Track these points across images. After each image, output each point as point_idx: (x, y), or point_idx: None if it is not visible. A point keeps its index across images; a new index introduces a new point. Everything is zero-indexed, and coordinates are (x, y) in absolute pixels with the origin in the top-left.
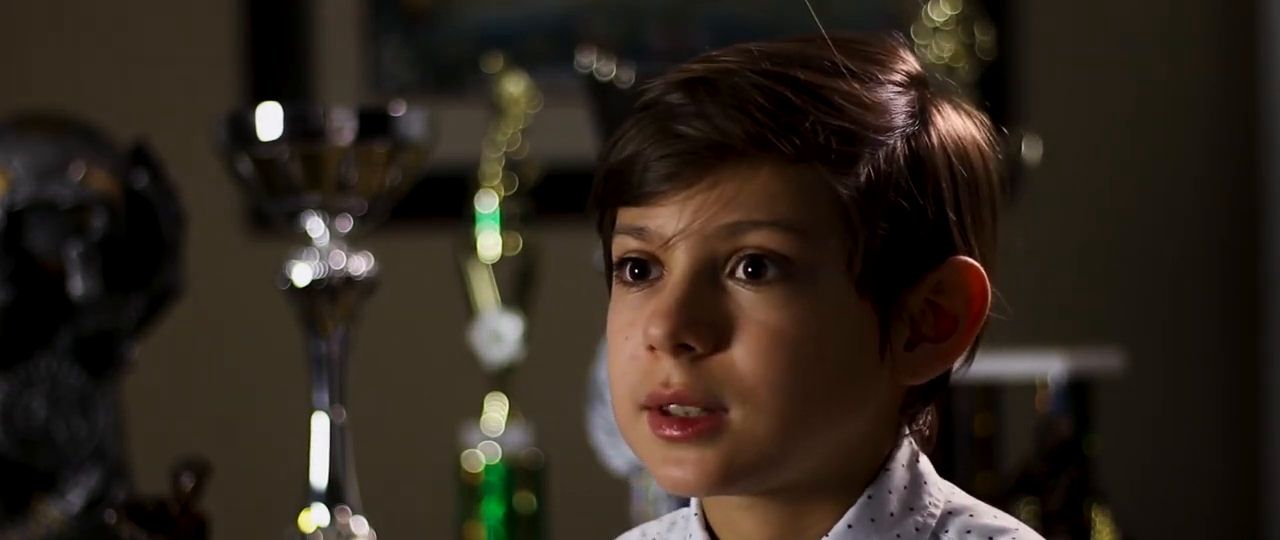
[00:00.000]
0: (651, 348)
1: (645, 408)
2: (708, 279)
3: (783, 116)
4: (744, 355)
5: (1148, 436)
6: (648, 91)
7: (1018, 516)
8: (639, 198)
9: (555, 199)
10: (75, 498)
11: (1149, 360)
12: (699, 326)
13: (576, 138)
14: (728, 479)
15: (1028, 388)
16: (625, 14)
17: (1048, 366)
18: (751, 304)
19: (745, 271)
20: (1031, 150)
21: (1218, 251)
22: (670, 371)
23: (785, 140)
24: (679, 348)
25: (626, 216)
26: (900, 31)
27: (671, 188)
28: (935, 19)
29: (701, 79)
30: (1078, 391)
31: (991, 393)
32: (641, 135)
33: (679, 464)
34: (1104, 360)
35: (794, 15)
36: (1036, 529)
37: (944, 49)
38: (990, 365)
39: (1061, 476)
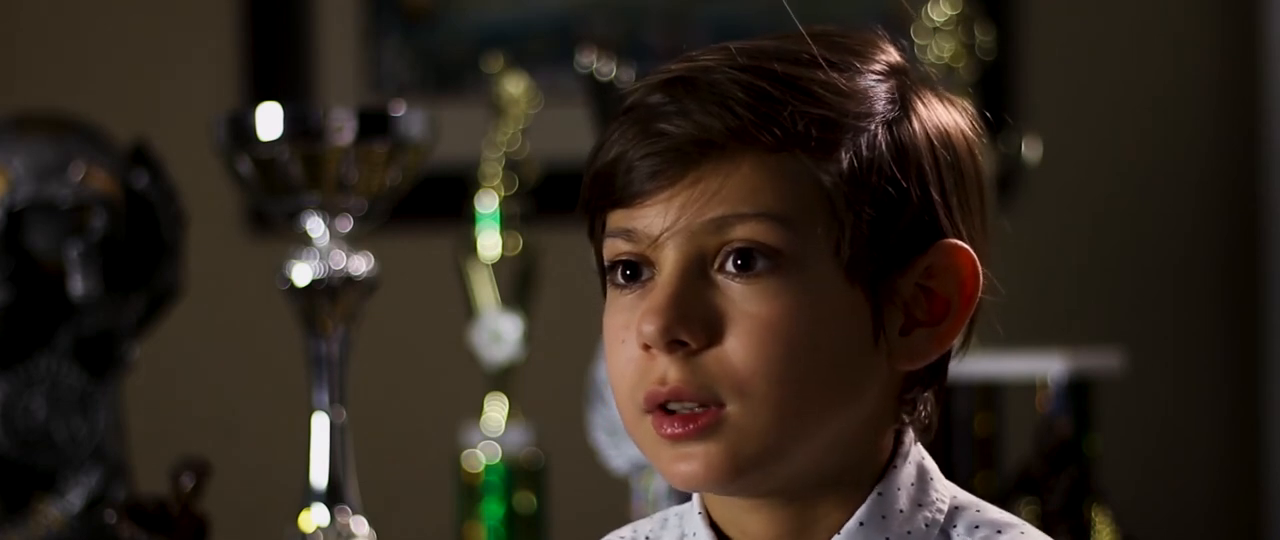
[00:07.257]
0: (647, 347)
1: (647, 410)
2: (697, 274)
3: (761, 108)
4: (737, 348)
5: (1148, 436)
6: (629, 95)
7: (1018, 516)
8: (625, 199)
9: (555, 199)
10: (75, 498)
11: (1149, 360)
12: (691, 322)
13: (576, 138)
14: (736, 472)
15: (1028, 388)
16: (625, 14)
17: (1048, 366)
18: (742, 296)
19: (734, 265)
20: (1031, 150)
21: (1218, 251)
22: (666, 368)
23: (765, 131)
24: (673, 344)
25: (615, 219)
26: (898, 31)
27: (656, 186)
28: (935, 19)
29: (680, 78)
30: (1078, 391)
31: (991, 393)
32: (624, 138)
33: (687, 460)
34: (1104, 360)
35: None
36: (1036, 529)
37: (944, 49)
38: (990, 365)
39: (1061, 476)
